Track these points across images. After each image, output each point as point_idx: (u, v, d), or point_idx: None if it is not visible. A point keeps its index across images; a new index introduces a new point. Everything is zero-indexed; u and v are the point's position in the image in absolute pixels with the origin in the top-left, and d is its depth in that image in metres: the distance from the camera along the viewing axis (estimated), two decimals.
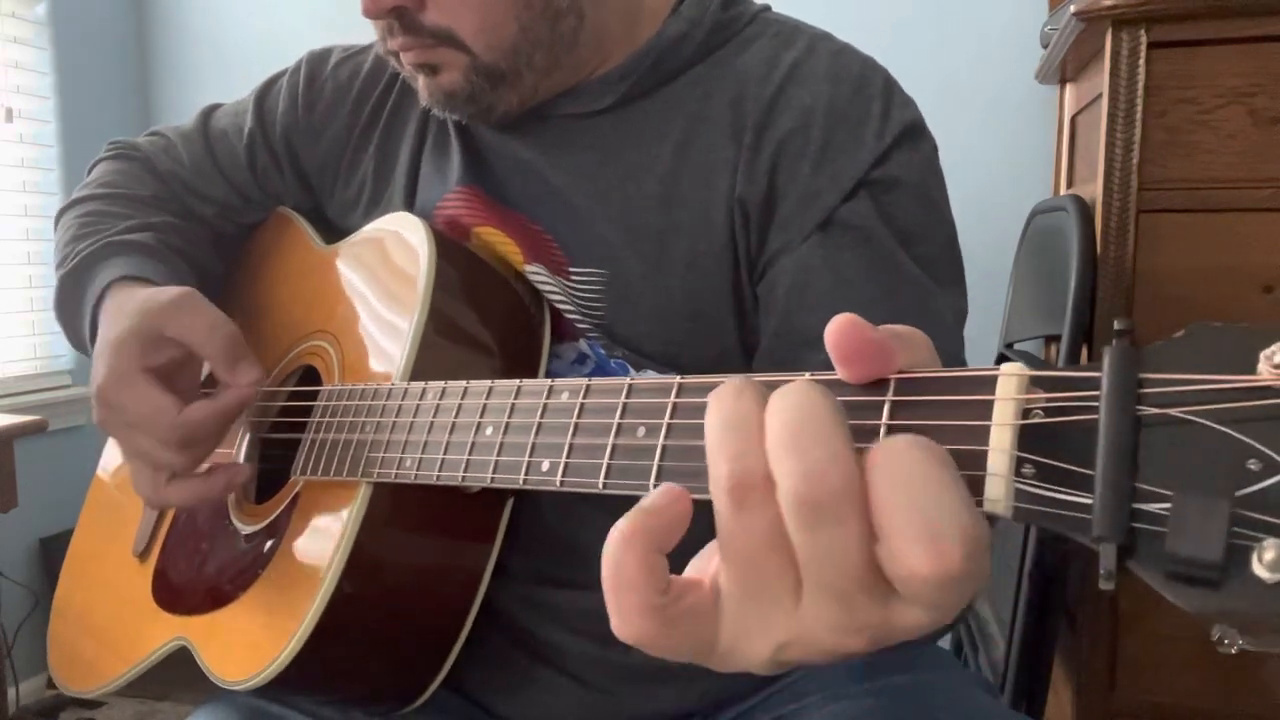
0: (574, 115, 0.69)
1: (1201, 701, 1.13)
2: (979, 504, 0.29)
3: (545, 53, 0.65)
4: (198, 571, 0.71)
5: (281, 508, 0.66)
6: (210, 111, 0.86)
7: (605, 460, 0.39)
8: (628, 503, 0.32)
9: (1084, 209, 1.12)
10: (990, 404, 0.29)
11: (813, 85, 0.64)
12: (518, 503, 0.65)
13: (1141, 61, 1.09)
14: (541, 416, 0.44)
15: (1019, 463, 0.28)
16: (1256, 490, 0.24)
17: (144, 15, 2.27)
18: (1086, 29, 1.17)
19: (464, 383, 0.51)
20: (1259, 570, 0.24)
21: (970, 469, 0.29)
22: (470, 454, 0.48)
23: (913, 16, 1.79)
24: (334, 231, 0.79)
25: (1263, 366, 0.24)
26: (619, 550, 0.31)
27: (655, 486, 0.36)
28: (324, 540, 0.60)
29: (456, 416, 0.50)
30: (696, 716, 0.69)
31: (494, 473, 0.46)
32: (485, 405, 0.48)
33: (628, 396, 0.39)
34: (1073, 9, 1.16)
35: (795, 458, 0.28)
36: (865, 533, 0.28)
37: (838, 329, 0.31)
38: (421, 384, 0.55)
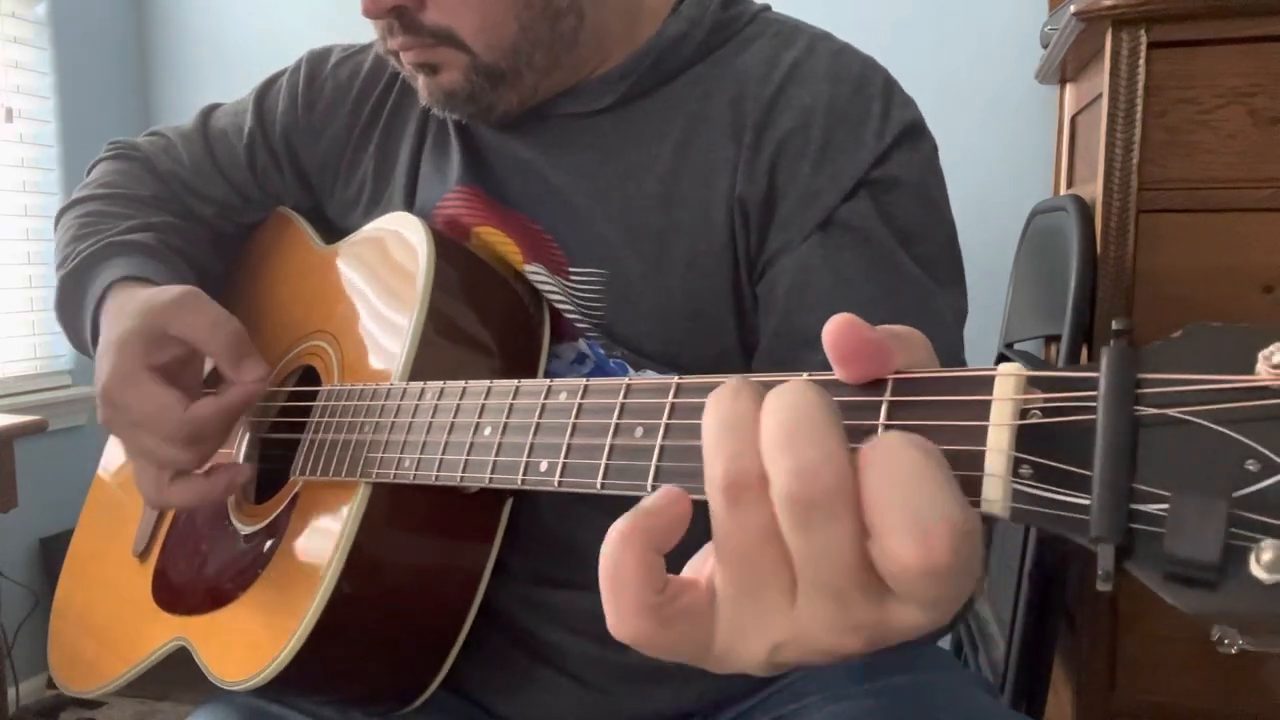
0: (574, 115, 0.69)
1: (1201, 701, 1.13)
2: (976, 504, 0.29)
3: (545, 52, 0.65)
4: (197, 572, 0.71)
5: (281, 508, 0.66)
6: (209, 111, 0.86)
7: (603, 460, 0.39)
8: (626, 503, 0.32)
9: (1084, 209, 1.12)
10: (988, 404, 0.29)
11: (813, 85, 0.64)
12: (517, 503, 0.65)
13: (1141, 61, 1.09)
14: (539, 417, 0.44)
15: (1016, 463, 0.28)
16: (1254, 491, 0.24)
17: (144, 15, 2.27)
18: (1086, 29, 1.17)
19: (462, 383, 0.51)
20: (1257, 571, 0.24)
21: (968, 469, 0.29)
22: (468, 454, 0.48)
23: (913, 16, 1.79)
24: (334, 231, 0.79)
25: (1261, 366, 0.24)
26: (617, 549, 0.31)
27: (653, 487, 0.36)
28: (323, 540, 0.60)
29: (455, 417, 0.50)
30: (696, 716, 0.69)
31: (492, 473, 0.46)
32: (483, 405, 0.48)
33: (625, 397, 0.39)
34: (1073, 9, 1.16)
35: (789, 456, 0.28)
36: (858, 530, 0.28)
37: (835, 329, 0.31)
38: (420, 384, 0.55)
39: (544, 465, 0.43)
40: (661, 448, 0.36)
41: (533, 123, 0.70)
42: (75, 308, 0.74)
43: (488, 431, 0.47)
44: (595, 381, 0.41)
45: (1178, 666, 1.13)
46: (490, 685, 0.70)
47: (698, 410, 0.32)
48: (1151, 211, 1.11)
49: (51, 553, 2.02)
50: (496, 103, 0.66)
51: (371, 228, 0.73)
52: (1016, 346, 1.30)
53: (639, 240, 0.65)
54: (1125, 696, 1.15)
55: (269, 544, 0.65)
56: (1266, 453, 0.24)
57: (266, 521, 0.67)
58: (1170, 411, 0.25)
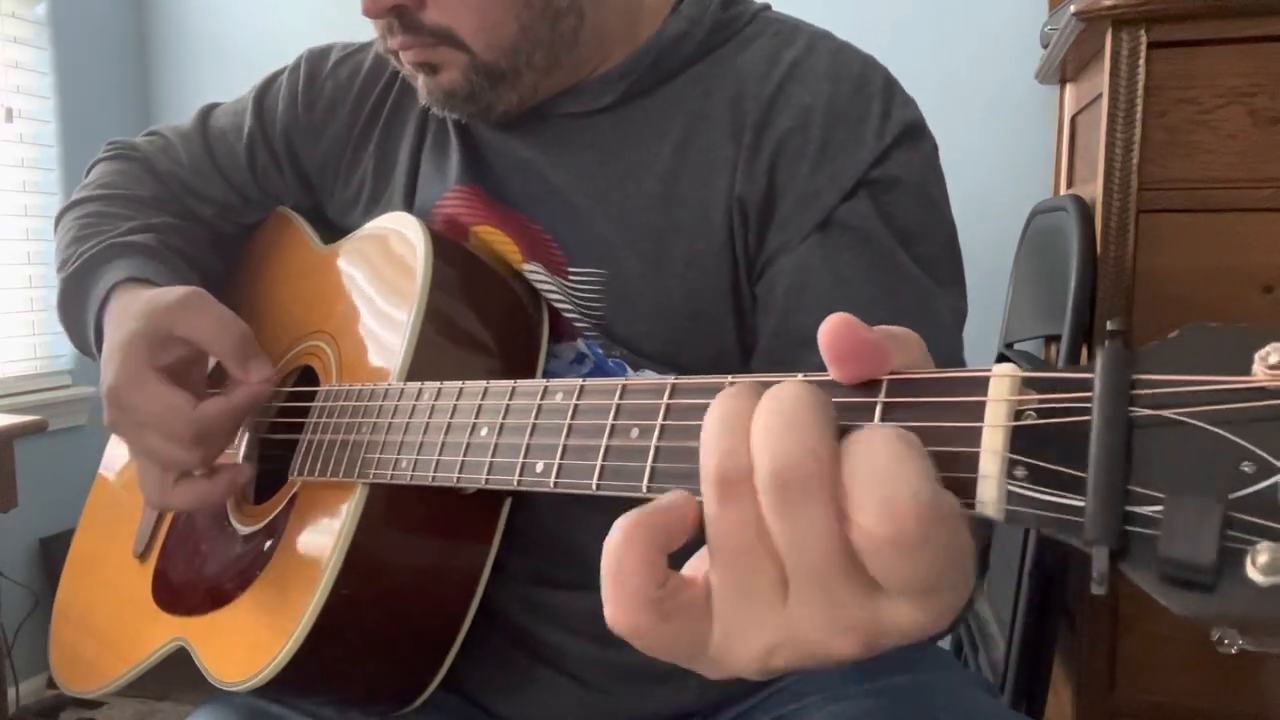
0: (574, 114, 0.69)
1: (1201, 701, 1.13)
2: (970, 506, 0.29)
3: (545, 52, 0.65)
4: (196, 572, 0.71)
5: (279, 508, 0.66)
6: (209, 111, 0.86)
7: (598, 461, 0.39)
8: (625, 505, 0.33)
9: (1084, 209, 1.12)
10: (983, 405, 0.29)
11: (812, 84, 0.64)
12: (516, 503, 0.65)
13: (1141, 61, 1.09)
14: (535, 417, 0.44)
15: (1011, 465, 0.28)
16: (1250, 493, 0.24)
17: (144, 15, 2.27)
18: (1086, 29, 1.17)
19: (459, 383, 0.51)
20: (1253, 574, 0.23)
21: (962, 471, 0.29)
22: (465, 455, 0.48)
23: (913, 16, 1.79)
24: (334, 231, 0.79)
25: (1257, 367, 0.24)
26: (622, 540, 0.31)
27: (648, 488, 0.36)
28: (321, 541, 0.60)
29: (452, 417, 0.50)
30: (696, 716, 0.69)
31: (488, 474, 0.46)
32: (480, 406, 0.48)
33: (621, 398, 0.39)
34: (1073, 9, 1.16)
35: (770, 445, 0.29)
36: (837, 514, 0.28)
37: (831, 329, 0.31)
38: (417, 384, 0.55)
39: (540, 466, 0.42)
40: (657, 449, 0.36)
41: (532, 122, 0.70)
42: (78, 310, 0.74)
43: (484, 432, 0.47)
44: (591, 382, 0.41)
45: (1178, 666, 1.13)
46: (490, 685, 0.70)
47: (694, 411, 0.32)
48: (1151, 211, 1.11)
49: (51, 553, 2.02)
50: (496, 102, 0.66)
51: (370, 227, 0.73)
52: (1016, 346, 1.30)
53: (638, 240, 0.65)
54: (1125, 696, 1.15)
55: (268, 544, 0.65)
56: (1262, 454, 0.24)
57: (265, 522, 0.67)
58: (1165, 413, 0.25)
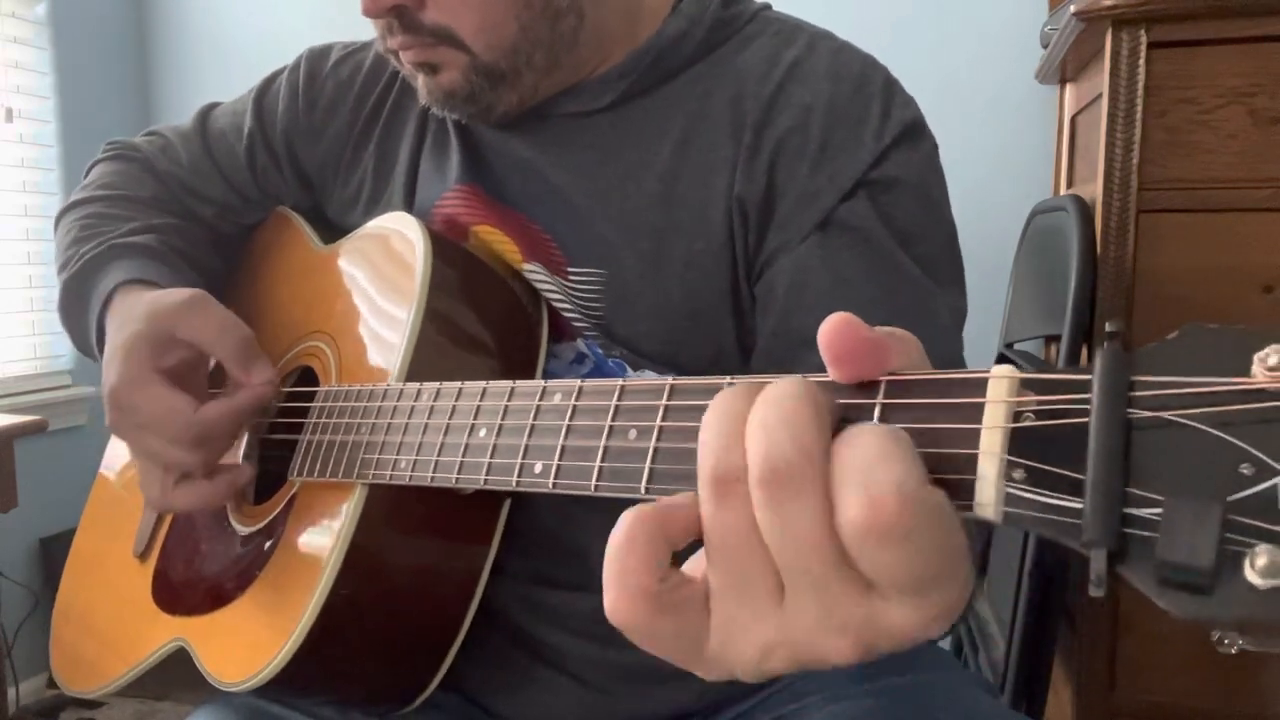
0: (574, 114, 0.69)
1: (1201, 701, 1.13)
2: (968, 508, 0.29)
3: (545, 52, 0.65)
4: (196, 572, 0.71)
5: (279, 509, 0.66)
6: (208, 111, 0.86)
7: (597, 462, 0.39)
8: (626, 506, 0.33)
9: (1084, 209, 1.12)
10: (981, 407, 0.28)
11: (813, 83, 0.64)
12: (515, 504, 0.65)
13: (1141, 61, 1.09)
14: (534, 418, 0.44)
15: (1009, 466, 0.28)
16: (1249, 495, 0.24)
17: (144, 15, 2.27)
18: (1086, 29, 1.17)
19: (458, 384, 0.51)
20: (1251, 577, 0.23)
21: (960, 473, 0.29)
22: (464, 455, 0.48)
23: (913, 16, 1.78)
24: (334, 230, 0.79)
25: (1256, 369, 0.24)
26: (627, 531, 0.31)
27: (646, 489, 0.36)
28: (321, 541, 0.60)
29: (450, 418, 0.50)
30: (696, 716, 0.69)
31: (487, 474, 0.46)
32: (479, 407, 0.48)
33: (619, 399, 0.39)
34: (1073, 9, 1.16)
35: (764, 441, 0.29)
36: (826, 508, 0.29)
37: (831, 328, 0.31)
38: (416, 385, 0.55)
39: (538, 467, 0.42)
40: (655, 450, 0.36)
41: (532, 122, 0.70)
42: (79, 311, 0.74)
43: (483, 433, 0.47)
44: (590, 383, 0.41)
45: (1178, 666, 1.13)
46: (490, 685, 0.70)
47: (692, 412, 0.32)
48: (1151, 211, 1.11)
49: (51, 553, 2.02)
50: (496, 102, 0.66)
51: (370, 227, 0.73)
52: (1016, 346, 1.30)
53: (638, 240, 0.65)
54: (1125, 696, 1.15)
55: (267, 545, 0.65)
56: (1261, 456, 0.24)
57: (265, 522, 0.67)
58: (1164, 414, 0.25)
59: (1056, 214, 1.20)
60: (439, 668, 0.64)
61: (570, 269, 0.67)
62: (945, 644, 1.30)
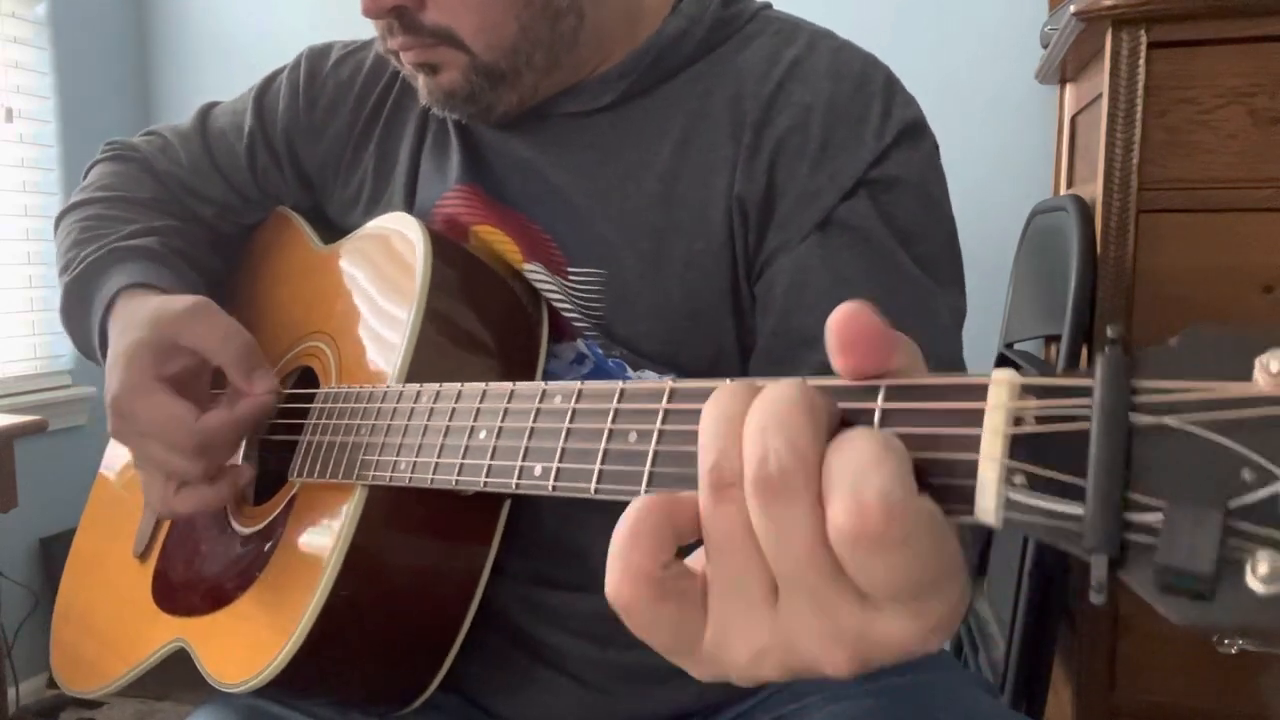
0: (574, 114, 0.69)
1: (1201, 701, 1.13)
2: (969, 513, 0.28)
3: (545, 52, 0.65)
4: (196, 573, 0.71)
5: (279, 509, 0.66)
6: (208, 110, 0.86)
7: (597, 465, 0.39)
8: (626, 507, 0.33)
9: (1084, 209, 1.12)
10: (981, 412, 0.28)
11: (813, 82, 0.63)
12: (515, 505, 0.65)
13: (1141, 61, 1.09)
14: (534, 421, 0.43)
15: (1009, 472, 0.27)
16: (1250, 500, 0.23)
17: (144, 14, 2.27)
18: (1086, 29, 1.17)
19: (458, 385, 0.51)
20: (1252, 583, 0.23)
21: (960, 478, 0.28)
22: (464, 457, 0.48)
23: (913, 16, 1.78)
24: (334, 230, 0.79)
25: (1258, 373, 0.24)
26: (637, 516, 0.31)
27: (646, 492, 0.36)
28: (321, 542, 0.60)
29: (450, 420, 0.50)
30: (695, 717, 0.69)
31: (487, 476, 0.46)
32: (479, 409, 0.48)
33: (619, 401, 0.39)
34: (1073, 9, 1.16)
35: (760, 444, 0.29)
36: (818, 514, 0.29)
37: (840, 316, 0.31)
38: (416, 386, 0.55)
39: (538, 469, 0.42)
40: (655, 453, 0.36)
41: (532, 122, 0.70)
42: (81, 315, 0.74)
43: (483, 435, 0.47)
44: (589, 385, 0.41)
45: (1177, 666, 1.13)
46: (490, 686, 0.70)
47: (692, 416, 0.32)
48: (1151, 211, 1.11)
49: (51, 553, 2.02)
50: (496, 103, 0.66)
51: (370, 227, 0.72)
52: (1016, 346, 1.30)
53: (638, 240, 0.65)
54: (1125, 696, 1.15)
55: (267, 545, 0.65)
56: (1262, 461, 0.23)
57: (265, 523, 0.67)
58: (1165, 419, 0.25)
59: (1056, 214, 1.20)
60: (439, 668, 0.64)
61: (570, 269, 0.67)
62: (945, 644, 1.30)
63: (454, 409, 0.50)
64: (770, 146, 0.63)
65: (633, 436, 0.37)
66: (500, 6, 0.62)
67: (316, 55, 0.81)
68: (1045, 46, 1.54)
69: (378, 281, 0.68)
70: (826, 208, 0.61)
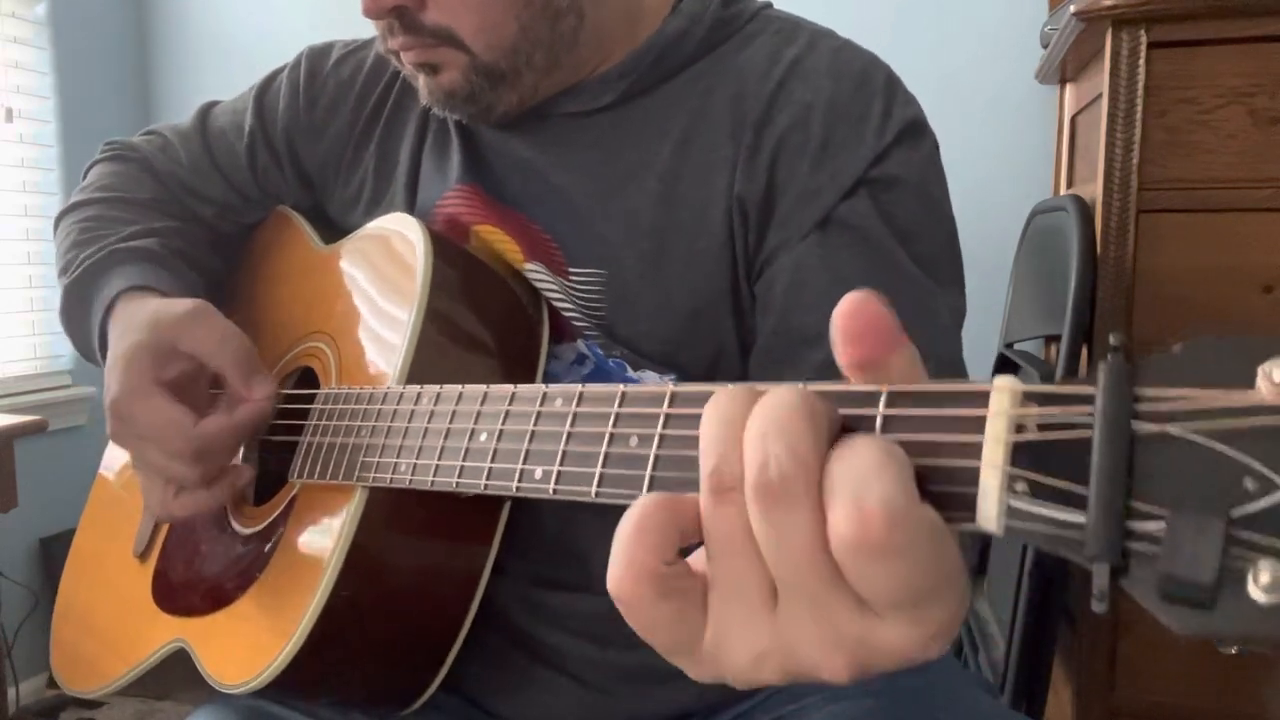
0: (574, 114, 0.69)
1: (1201, 701, 1.13)
2: (970, 520, 0.28)
3: (545, 52, 0.65)
4: (196, 573, 0.71)
5: (279, 510, 0.66)
6: (208, 109, 0.86)
7: (598, 469, 0.39)
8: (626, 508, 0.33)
9: (1084, 209, 1.12)
10: (983, 419, 0.28)
11: (814, 81, 0.63)
12: (516, 505, 0.65)
13: (1141, 61, 1.09)
14: (535, 424, 0.43)
15: (1011, 479, 0.27)
16: (1252, 510, 0.23)
17: (144, 14, 2.27)
18: (1086, 29, 1.17)
19: (459, 387, 0.51)
20: (1254, 593, 0.23)
21: (962, 486, 0.28)
22: (464, 460, 0.48)
23: (913, 16, 1.79)
24: (334, 230, 0.79)
25: (1260, 382, 0.24)
26: (643, 513, 0.31)
27: None
28: (321, 542, 0.60)
29: (451, 422, 0.50)
30: (695, 717, 0.69)
31: (487, 479, 0.46)
32: (479, 411, 0.48)
33: (620, 405, 0.39)
34: (1073, 9, 1.16)
35: (760, 449, 0.29)
36: (818, 521, 0.28)
37: (848, 306, 0.31)
38: (417, 388, 0.55)
39: (539, 472, 0.42)
40: (656, 457, 0.36)
41: (533, 122, 0.70)
42: (81, 317, 0.74)
43: (483, 437, 0.47)
44: (591, 388, 0.41)
45: (1177, 666, 1.13)
46: (489, 686, 0.70)
47: (694, 420, 0.32)
48: (1151, 211, 1.11)
49: (51, 553, 2.02)
50: (496, 103, 0.66)
51: (370, 228, 0.72)
52: (1016, 346, 1.30)
53: (638, 239, 0.65)
54: (1125, 696, 1.15)
55: (267, 546, 0.65)
56: (1264, 470, 0.23)
57: (265, 523, 0.67)
58: (1168, 428, 0.25)
59: (1056, 214, 1.20)
60: (439, 669, 0.64)
61: (571, 269, 0.67)
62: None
63: (455, 411, 0.50)
64: (771, 145, 0.63)
65: (634, 440, 0.37)
66: (500, 7, 0.62)
67: (317, 54, 0.81)
68: (1045, 46, 1.54)
69: (378, 282, 0.68)
70: (827, 206, 0.61)
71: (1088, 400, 0.26)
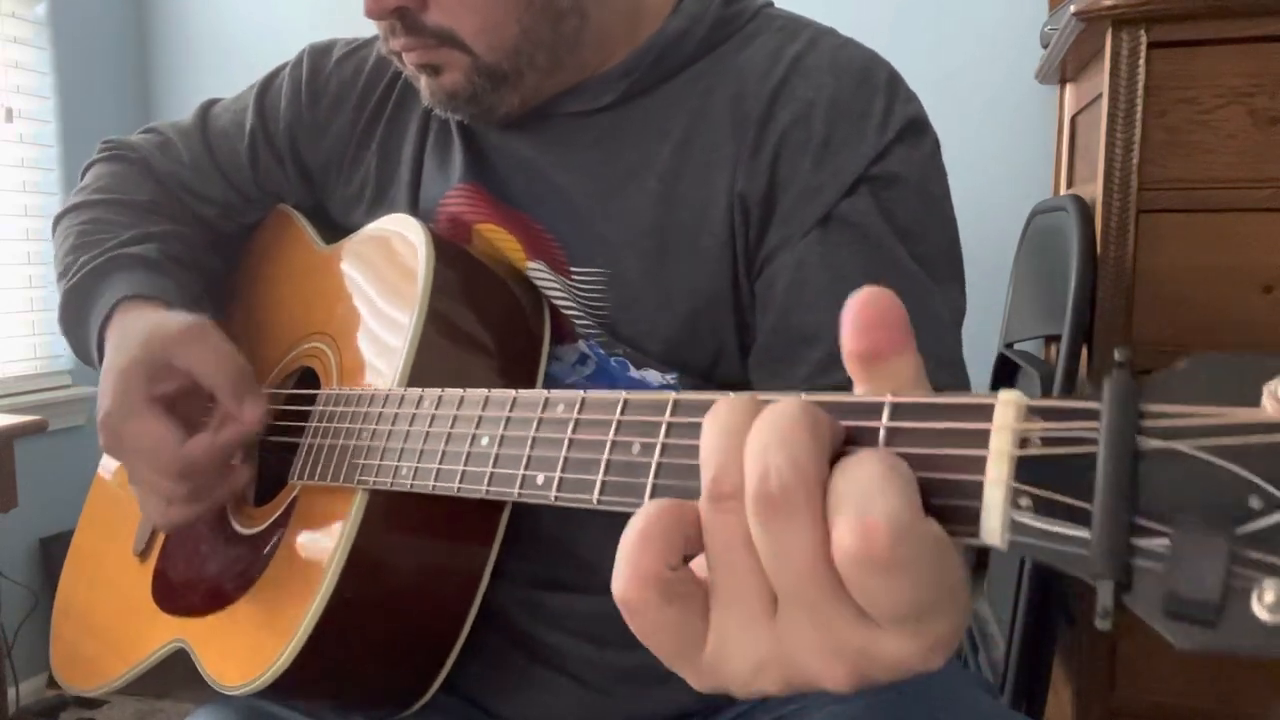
0: (575, 113, 0.69)
1: (1201, 701, 1.13)
2: (974, 534, 0.28)
3: (547, 53, 0.65)
4: (196, 573, 0.71)
5: (280, 511, 0.66)
6: (208, 107, 0.86)
7: (599, 476, 0.39)
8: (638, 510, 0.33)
9: (1084, 209, 1.12)
10: (987, 433, 0.28)
11: (815, 78, 0.63)
12: (517, 508, 0.65)
13: (1141, 61, 1.09)
14: (536, 430, 0.43)
15: (1015, 494, 0.27)
16: (1257, 528, 0.23)
17: (144, 14, 2.27)
18: (1086, 29, 1.17)
19: (460, 391, 0.51)
20: (1258, 611, 0.23)
21: (965, 500, 0.28)
22: (465, 464, 0.48)
23: (912, 15, 1.78)
24: (335, 228, 0.79)
25: (1266, 400, 0.24)
26: (650, 519, 0.31)
27: None
28: (322, 544, 0.60)
29: (452, 427, 0.50)
30: (695, 717, 0.69)
31: (489, 484, 0.46)
32: (481, 416, 0.48)
33: (623, 413, 0.38)
34: (1073, 9, 1.16)
35: (761, 461, 0.29)
36: (820, 533, 0.28)
37: (865, 295, 0.31)
38: (418, 391, 0.55)
39: (540, 478, 0.42)
40: (659, 465, 0.36)
41: (534, 122, 0.70)
42: (80, 323, 0.74)
43: (485, 442, 0.47)
44: (593, 395, 0.41)
45: (1178, 666, 1.13)
46: (489, 686, 0.70)
47: (696, 429, 0.32)
48: (1151, 211, 1.11)
49: (51, 553, 2.02)
50: (498, 104, 0.66)
51: (371, 229, 0.72)
52: (1016, 346, 1.30)
53: (640, 239, 0.65)
54: (1125, 696, 1.15)
55: (268, 547, 0.65)
56: (1270, 489, 0.23)
57: (266, 524, 0.67)
58: (1173, 445, 0.25)
59: (1056, 214, 1.20)
60: (439, 670, 0.64)
61: (573, 268, 0.67)
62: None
63: (456, 415, 0.50)
64: (773, 142, 0.63)
65: (636, 448, 0.37)
66: (502, 8, 0.62)
67: (319, 52, 0.81)
68: (1045, 46, 1.54)
69: (380, 284, 0.68)
70: (828, 204, 0.61)
71: (1093, 415, 0.26)
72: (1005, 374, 1.28)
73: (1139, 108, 1.10)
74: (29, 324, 2.05)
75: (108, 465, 0.87)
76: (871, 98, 0.63)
